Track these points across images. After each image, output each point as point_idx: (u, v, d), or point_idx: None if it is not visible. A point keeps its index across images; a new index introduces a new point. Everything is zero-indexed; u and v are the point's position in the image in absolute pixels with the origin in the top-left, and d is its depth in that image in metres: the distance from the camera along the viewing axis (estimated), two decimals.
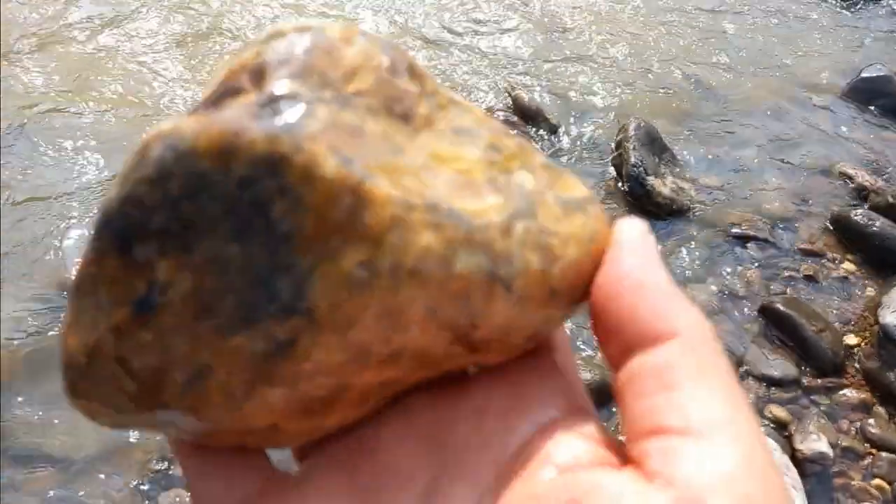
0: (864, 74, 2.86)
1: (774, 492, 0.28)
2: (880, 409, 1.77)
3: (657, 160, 2.27)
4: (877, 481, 1.64)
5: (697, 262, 2.06)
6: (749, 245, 2.13)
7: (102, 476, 1.45)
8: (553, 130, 2.46)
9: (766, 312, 1.93)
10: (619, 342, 0.32)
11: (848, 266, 2.10)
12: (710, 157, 2.44)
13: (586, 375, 1.64)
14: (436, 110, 0.36)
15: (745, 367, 1.83)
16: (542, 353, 0.37)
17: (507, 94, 2.56)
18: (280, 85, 0.31)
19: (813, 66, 2.98)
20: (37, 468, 1.45)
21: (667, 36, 3.07)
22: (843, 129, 2.66)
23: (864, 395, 1.80)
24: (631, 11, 3.22)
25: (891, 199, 2.24)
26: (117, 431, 1.47)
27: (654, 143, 2.30)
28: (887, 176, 2.46)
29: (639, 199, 2.19)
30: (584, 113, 2.58)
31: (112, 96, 2.46)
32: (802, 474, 1.59)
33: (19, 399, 1.56)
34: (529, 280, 0.32)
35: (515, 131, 0.41)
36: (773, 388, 1.78)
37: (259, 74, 0.31)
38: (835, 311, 1.97)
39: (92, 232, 0.32)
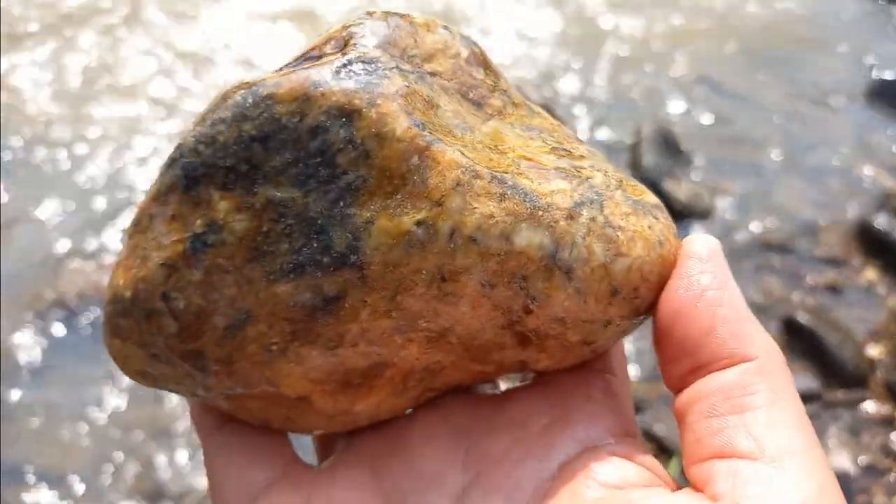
0: (885, 77, 2.81)
1: None
2: None
3: (673, 164, 2.22)
4: None
5: None
6: (768, 252, 2.08)
7: (96, 491, 1.42)
8: None
9: (786, 323, 1.88)
10: (688, 360, 0.30)
11: (870, 274, 2.05)
12: (727, 161, 2.39)
13: None
14: (509, 105, 0.36)
15: None
16: (595, 374, 0.35)
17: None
18: (362, 50, 0.31)
19: (832, 69, 2.92)
20: (30, 482, 1.43)
21: (681, 37, 3.02)
22: (864, 132, 2.61)
23: (886, 408, 1.75)
24: (644, 13, 3.17)
25: None
26: (115, 434, 1.45)
27: (670, 147, 2.26)
28: None
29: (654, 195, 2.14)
30: (596, 115, 2.54)
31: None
32: None
33: (14, 412, 1.54)
34: (591, 270, 0.30)
35: None
36: None
37: (344, 43, 0.32)
38: (856, 321, 1.91)
39: (159, 169, 0.32)
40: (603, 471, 0.30)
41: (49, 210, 2.01)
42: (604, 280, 0.30)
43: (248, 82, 0.30)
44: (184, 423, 1.53)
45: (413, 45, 0.33)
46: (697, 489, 0.28)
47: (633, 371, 1.69)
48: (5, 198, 2.04)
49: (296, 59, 0.32)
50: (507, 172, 0.31)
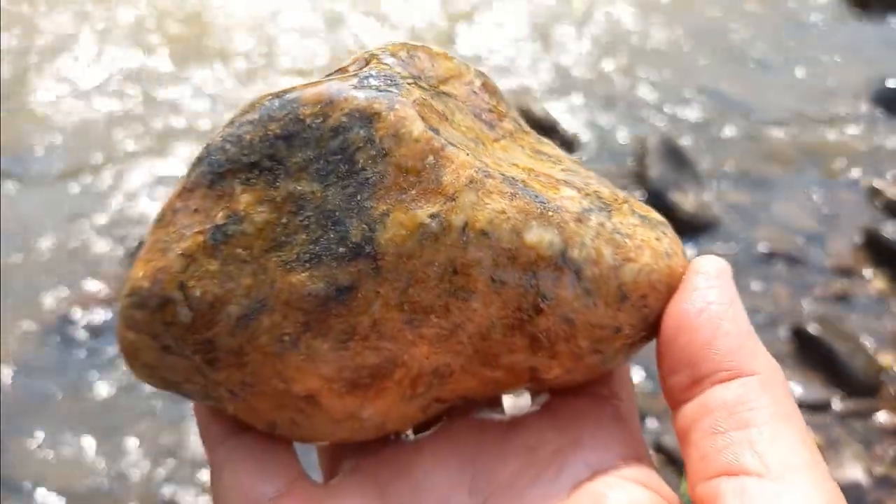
0: (889, 84, 2.80)
1: None
2: None
3: (679, 175, 2.21)
4: None
5: None
6: (776, 263, 2.07)
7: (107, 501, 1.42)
8: (569, 144, 2.42)
9: (796, 333, 1.87)
10: (689, 372, 0.30)
11: (879, 283, 2.03)
12: (733, 171, 2.39)
13: None
14: (519, 132, 0.37)
15: None
16: (603, 398, 0.35)
17: (520, 108, 2.53)
18: (383, 67, 0.33)
19: (838, 76, 2.92)
20: (36, 499, 1.43)
21: (687, 46, 3.03)
22: (871, 141, 2.60)
23: None
24: (649, 22, 3.18)
25: None
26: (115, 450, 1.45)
27: (676, 157, 2.25)
28: None
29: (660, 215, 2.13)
30: (601, 126, 2.54)
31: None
32: None
33: (21, 431, 1.54)
34: (599, 272, 0.31)
35: None
36: (803, 413, 1.71)
37: (365, 62, 0.33)
38: (867, 331, 1.90)
39: (187, 169, 0.33)
40: (613, 495, 0.30)
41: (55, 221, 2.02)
42: (612, 283, 0.31)
43: (276, 92, 0.32)
44: (192, 437, 1.53)
45: (430, 69, 0.35)
46: None
47: (643, 383, 1.68)
48: (6, 198, 2.06)
49: (323, 77, 0.34)
50: (517, 178, 0.32)
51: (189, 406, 0.38)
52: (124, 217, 2.09)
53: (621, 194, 0.35)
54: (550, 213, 0.31)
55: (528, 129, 0.38)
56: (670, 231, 0.35)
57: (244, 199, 0.31)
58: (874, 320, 1.93)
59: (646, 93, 2.74)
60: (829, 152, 2.52)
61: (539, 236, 0.30)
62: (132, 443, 1.53)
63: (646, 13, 3.24)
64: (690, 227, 2.12)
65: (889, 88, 2.79)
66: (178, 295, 0.31)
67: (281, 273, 0.30)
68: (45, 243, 1.97)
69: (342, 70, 0.34)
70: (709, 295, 0.31)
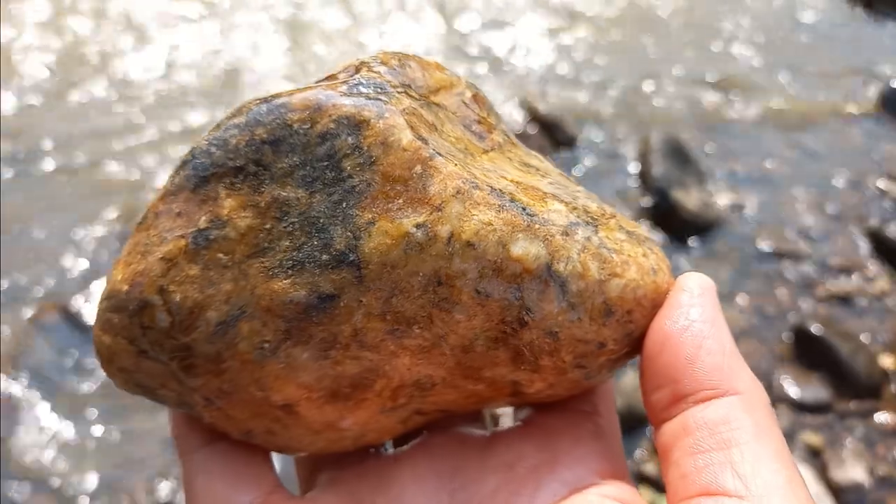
0: (894, 85, 2.79)
1: None
2: None
3: (682, 173, 2.21)
4: None
5: (726, 280, 2.00)
6: (779, 262, 2.06)
7: (104, 502, 1.42)
8: (572, 142, 2.41)
9: (798, 332, 1.86)
10: (671, 389, 0.30)
11: (882, 284, 2.03)
12: (737, 169, 2.38)
13: None
14: (507, 144, 0.37)
15: (775, 391, 1.76)
16: (583, 415, 0.35)
17: (525, 105, 2.52)
18: (373, 74, 0.33)
19: (842, 76, 2.91)
20: (37, 492, 1.43)
21: (692, 46, 3.02)
22: (875, 140, 2.59)
23: None
24: (654, 21, 3.17)
25: None
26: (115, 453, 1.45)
27: (679, 156, 2.25)
28: None
29: (663, 214, 2.13)
30: (605, 124, 2.53)
31: None
32: None
33: (21, 423, 1.54)
34: (585, 286, 0.31)
35: (538, 154, 0.45)
36: (805, 413, 1.71)
37: (355, 70, 0.33)
38: (869, 331, 1.89)
39: (171, 172, 0.33)
40: None
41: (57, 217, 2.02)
42: (597, 297, 0.31)
43: (264, 97, 0.31)
44: None
45: (421, 79, 0.34)
46: None
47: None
48: (9, 201, 2.06)
49: (312, 83, 0.34)
50: (504, 191, 0.31)
51: None
52: (128, 209, 2.09)
53: (608, 209, 0.34)
54: (537, 227, 0.31)
55: (516, 141, 0.38)
56: (656, 247, 0.34)
57: (228, 204, 0.31)
58: (876, 320, 1.93)
59: (649, 91, 2.74)
60: (834, 152, 2.51)
61: (525, 249, 0.30)
62: (132, 436, 1.53)
63: (650, 12, 3.23)
64: (693, 226, 2.11)
65: (894, 88, 2.78)
66: (157, 299, 0.31)
67: (262, 279, 0.30)
68: (45, 234, 1.97)
69: (331, 77, 0.33)
70: (692, 313, 0.31)
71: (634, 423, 1.55)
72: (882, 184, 2.37)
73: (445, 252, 0.30)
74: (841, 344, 1.79)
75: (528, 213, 0.31)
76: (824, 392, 1.75)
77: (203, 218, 0.31)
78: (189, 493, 0.33)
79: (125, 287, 0.31)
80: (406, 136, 0.30)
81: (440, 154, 0.31)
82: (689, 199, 2.14)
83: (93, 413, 1.57)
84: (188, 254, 0.31)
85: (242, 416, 0.32)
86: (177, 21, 2.97)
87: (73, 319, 1.75)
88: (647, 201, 2.17)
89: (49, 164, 2.24)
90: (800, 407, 1.73)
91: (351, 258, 0.30)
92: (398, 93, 0.32)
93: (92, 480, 1.45)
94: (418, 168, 0.30)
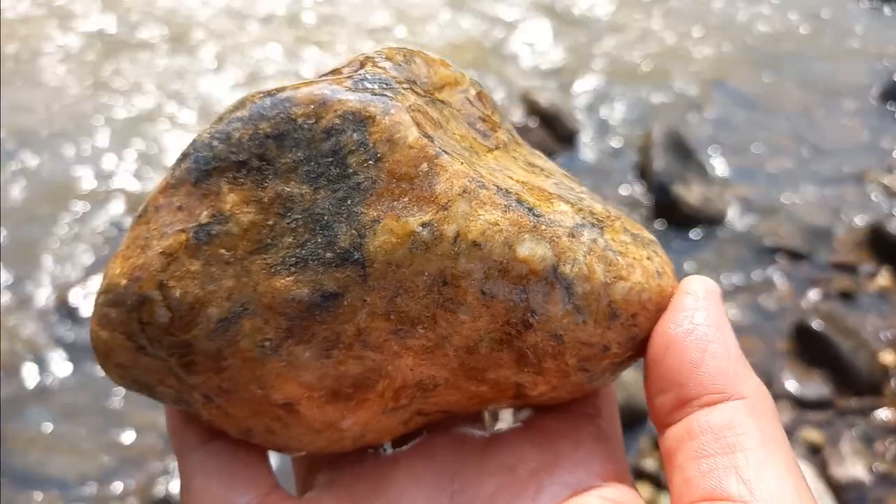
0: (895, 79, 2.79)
1: None
2: None
3: (683, 168, 2.20)
4: None
5: (726, 276, 1.99)
6: (780, 258, 2.06)
7: (103, 497, 1.42)
8: (572, 135, 2.41)
9: (799, 329, 1.86)
10: (675, 393, 0.30)
11: (883, 280, 2.02)
12: (738, 164, 2.38)
13: None
14: (512, 143, 0.37)
15: (776, 387, 1.76)
16: (585, 418, 0.35)
17: (525, 99, 2.51)
18: (379, 70, 0.32)
19: (844, 70, 2.90)
20: (36, 489, 1.42)
21: (693, 39, 3.01)
22: (877, 135, 2.58)
23: None
24: (655, 15, 3.15)
25: None
26: (111, 455, 1.44)
27: (681, 150, 2.24)
28: None
29: (664, 209, 2.12)
30: (606, 117, 2.52)
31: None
32: (838, 502, 1.52)
33: (21, 419, 1.53)
34: (591, 289, 0.30)
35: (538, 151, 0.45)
36: (805, 410, 1.71)
37: (362, 64, 0.32)
38: (870, 328, 1.89)
39: (172, 164, 0.32)
40: None
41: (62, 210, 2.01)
42: (603, 301, 0.31)
43: (268, 91, 0.31)
44: None
45: (426, 75, 0.34)
46: None
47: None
48: (8, 199, 2.05)
49: (317, 77, 0.33)
50: (510, 190, 0.31)
51: None
52: (132, 205, 2.08)
53: (613, 211, 0.34)
54: (543, 228, 0.30)
55: (521, 140, 0.38)
56: (660, 250, 0.34)
57: (230, 199, 0.30)
58: (878, 317, 1.92)
59: (652, 85, 2.73)
60: (836, 146, 2.50)
61: (531, 250, 0.30)
62: (132, 432, 1.53)
63: (654, 6, 3.22)
64: (695, 221, 2.11)
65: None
66: (157, 294, 0.30)
67: (265, 276, 0.30)
68: (46, 229, 1.96)
69: (336, 71, 0.32)
70: (697, 317, 0.31)
71: (634, 419, 1.54)
72: (885, 179, 2.36)
73: (451, 252, 0.29)
74: (842, 340, 1.79)
75: (534, 214, 0.30)
76: (825, 389, 1.75)
77: (205, 212, 0.30)
78: (186, 493, 0.33)
79: (123, 281, 0.31)
80: (412, 134, 0.30)
81: (446, 152, 0.31)
82: (690, 193, 2.13)
83: (90, 411, 1.57)
84: (189, 249, 0.30)
85: (242, 415, 0.32)
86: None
87: (72, 315, 1.74)
88: (647, 196, 2.16)
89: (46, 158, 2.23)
90: (800, 403, 1.72)
91: (355, 256, 0.29)
92: (403, 89, 0.32)
93: (89, 478, 1.45)
94: (424, 166, 0.30)
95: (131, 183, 2.16)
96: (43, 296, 1.78)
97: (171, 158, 2.23)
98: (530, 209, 0.31)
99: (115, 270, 0.31)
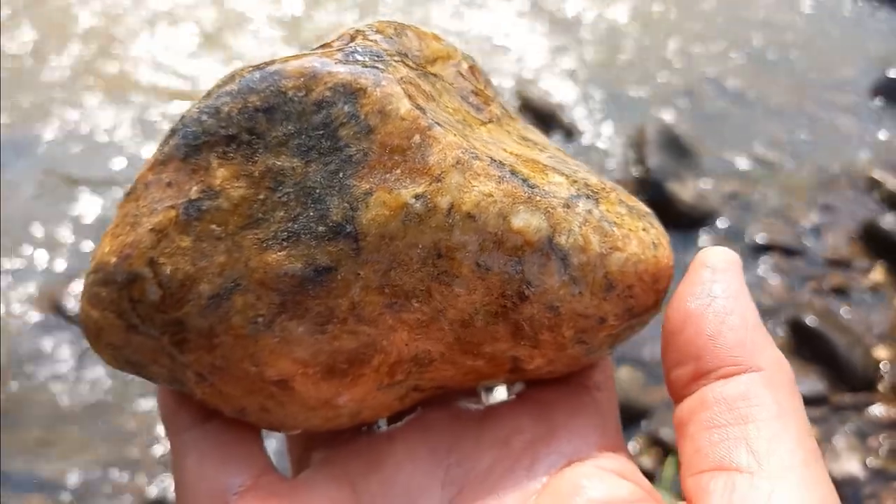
0: (889, 74, 2.79)
1: None
2: None
3: (677, 165, 2.20)
4: None
5: None
6: (774, 254, 2.06)
7: (98, 497, 1.41)
8: (568, 133, 2.40)
9: (793, 325, 1.86)
10: (693, 365, 0.30)
11: (877, 275, 2.03)
12: (732, 160, 2.37)
13: None
14: (506, 117, 0.36)
15: None
16: (581, 388, 0.35)
17: (519, 95, 2.51)
18: (369, 42, 0.31)
19: (837, 66, 2.90)
20: (30, 493, 1.41)
21: (687, 36, 3.00)
22: (870, 130, 2.59)
23: (895, 411, 1.73)
24: (648, 12, 3.15)
25: None
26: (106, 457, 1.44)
27: (675, 147, 2.24)
28: None
29: (658, 205, 2.11)
30: (600, 115, 2.52)
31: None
32: None
33: (16, 423, 1.52)
34: (587, 260, 0.30)
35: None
36: None
37: (353, 37, 0.32)
38: (863, 323, 1.89)
39: (161, 140, 0.32)
40: (589, 486, 0.29)
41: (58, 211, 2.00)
42: (599, 272, 0.30)
43: (256, 65, 0.31)
44: None
45: (417, 48, 0.33)
46: (691, 503, 0.27)
47: (638, 376, 1.67)
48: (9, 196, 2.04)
49: (306, 51, 0.33)
50: (504, 162, 0.31)
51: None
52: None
53: (608, 183, 0.34)
54: (538, 199, 0.30)
55: (515, 115, 0.37)
56: (656, 222, 0.34)
57: (220, 174, 0.30)
58: (872, 313, 1.93)
59: (645, 82, 2.72)
60: (829, 142, 2.51)
61: (526, 221, 0.29)
62: (127, 434, 1.52)
63: (646, 4, 3.22)
64: (689, 218, 2.11)
65: (890, 79, 2.78)
66: (147, 271, 0.30)
67: (256, 251, 0.29)
68: (41, 230, 1.95)
69: (326, 45, 0.32)
70: (715, 289, 0.30)
71: (630, 417, 1.55)
72: (877, 174, 2.36)
73: (445, 224, 0.29)
74: (836, 336, 1.79)
75: (529, 185, 0.30)
76: (820, 385, 1.75)
77: (194, 188, 0.30)
78: (178, 474, 0.32)
79: (113, 259, 0.30)
80: (404, 105, 0.29)
81: (439, 124, 0.30)
82: (684, 190, 2.13)
83: (83, 410, 1.56)
84: (179, 225, 0.30)
85: (236, 393, 0.31)
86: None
87: (62, 314, 1.73)
88: (642, 193, 2.16)
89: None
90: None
91: (348, 229, 0.29)
92: (395, 61, 0.31)
93: (82, 478, 1.44)
94: (417, 138, 0.29)
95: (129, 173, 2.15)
96: (34, 293, 1.77)
97: None
98: (525, 180, 0.30)
99: (104, 249, 0.31)
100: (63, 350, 1.66)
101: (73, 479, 1.44)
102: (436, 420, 0.34)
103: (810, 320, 1.84)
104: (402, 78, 0.30)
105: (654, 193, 2.12)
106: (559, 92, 2.62)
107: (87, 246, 1.91)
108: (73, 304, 1.74)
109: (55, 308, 1.74)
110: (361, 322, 0.30)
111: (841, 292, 1.98)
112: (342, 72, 0.30)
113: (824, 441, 1.64)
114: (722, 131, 2.51)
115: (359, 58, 0.30)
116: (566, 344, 0.31)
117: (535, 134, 0.37)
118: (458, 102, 0.34)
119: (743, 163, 2.38)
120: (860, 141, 2.53)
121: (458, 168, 0.29)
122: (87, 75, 2.55)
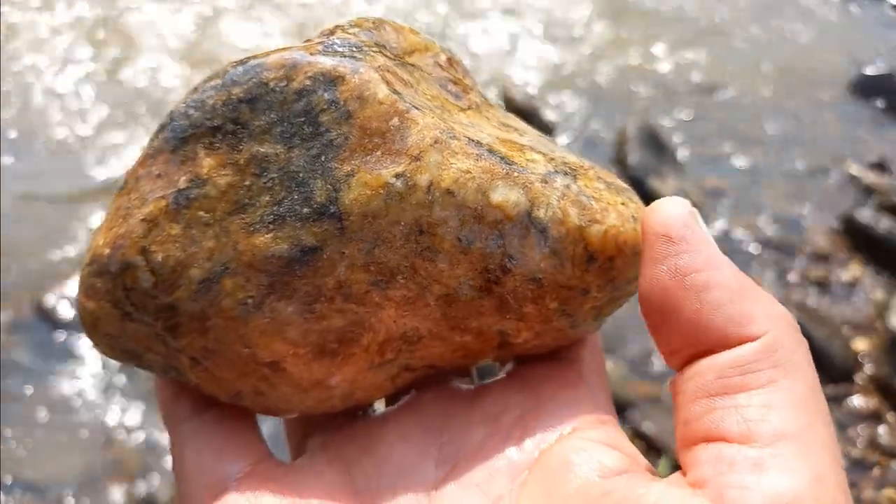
0: (866, 71, 2.82)
1: None
2: (890, 417, 1.72)
3: (658, 162, 2.22)
4: (888, 491, 1.60)
5: None
6: (754, 248, 2.08)
7: (92, 497, 1.41)
8: (549, 130, 2.41)
9: None
10: (687, 353, 0.29)
11: (855, 268, 2.05)
12: (712, 157, 2.39)
13: None
14: (485, 104, 0.37)
15: None
16: (568, 363, 0.35)
17: (501, 94, 2.51)
18: (348, 35, 0.33)
19: (816, 63, 2.93)
20: (19, 496, 1.41)
21: (668, 33, 3.02)
22: (848, 127, 2.61)
23: (873, 402, 1.75)
24: (630, 9, 3.17)
25: None
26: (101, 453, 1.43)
27: (655, 144, 2.26)
28: (894, 175, 2.40)
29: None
30: (582, 112, 2.53)
31: None
32: None
33: (3, 426, 1.51)
34: (566, 231, 0.31)
35: None
36: None
37: (332, 32, 0.33)
38: (842, 316, 1.92)
39: (150, 137, 0.33)
40: (579, 458, 0.29)
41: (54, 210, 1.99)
42: (579, 243, 0.31)
43: (240, 60, 0.32)
44: None
45: (395, 41, 0.34)
46: (684, 475, 0.27)
47: (621, 370, 1.68)
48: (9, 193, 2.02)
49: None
50: (482, 142, 0.31)
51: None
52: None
53: (587, 162, 0.34)
54: (516, 174, 0.31)
55: (493, 104, 0.38)
56: (636, 197, 0.34)
57: (207, 163, 0.31)
58: (850, 305, 1.95)
59: (626, 80, 2.74)
60: (808, 138, 2.53)
61: (505, 196, 0.30)
62: (108, 438, 1.51)
63: (630, 3, 3.23)
64: None
65: (866, 75, 2.81)
66: (140, 260, 0.31)
67: (244, 235, 0.30)
68: (24, 234, 1.93)
69: (307, 41, 0.33)
70: (686, 258, 0.28)
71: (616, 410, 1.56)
72: (854, 170, 2.39)
73: (425, 200, 0.30)
74: (816, 329, 1.81)
75: (506, 162, 0.31)
76: None
77: (183, 178, 0.31)
78: (177, 464, 0.33)
79: (107, 251, 0.31)
80: (382, 90, 0.30)
81: (416, 107, 0.31)
82: (665, 187, 2.15)
83: (74, 411, 1.55)
84: (169, 213, 0.31)
85: (230, 376, 0.32)
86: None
87: (48, 315, 1.72)
88: None
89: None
90: None
91: (332, 210, 0.30)
92: (373, 52, 0.32)
93: (74, 478, 1.43)
94: (395, 120, 0.30)
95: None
96: (21, 295, 1.76)
97: None
98: (502, 158, 0.31)
99: (98, 242, 0.32)
100: (46, 344, 1.65)
101: (59, 479, 1.43)
102: (428, 401, 0.35)
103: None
104: (380, 66, 0.31)
105: (635, 190, 2.14)
106: (540, 91, 2.63)
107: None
108: (55, 303, 1.73)
109: (37, 306, 1.73)
110: (349, 300, 0.30)
111: (820, 285, 2.00)
112: (322, 61, 0.31)
113: None
114: (702, 128, 2.53)
115: (338, 49, 0.31)
116: (551, 316, 0.32)
117: (515, 121, 0.38)
118: (436, 90, 0.35)
119: (723, 159, 2.40)
120: (841, 136, 2.56)
121: (437, 147, 0.30)
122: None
